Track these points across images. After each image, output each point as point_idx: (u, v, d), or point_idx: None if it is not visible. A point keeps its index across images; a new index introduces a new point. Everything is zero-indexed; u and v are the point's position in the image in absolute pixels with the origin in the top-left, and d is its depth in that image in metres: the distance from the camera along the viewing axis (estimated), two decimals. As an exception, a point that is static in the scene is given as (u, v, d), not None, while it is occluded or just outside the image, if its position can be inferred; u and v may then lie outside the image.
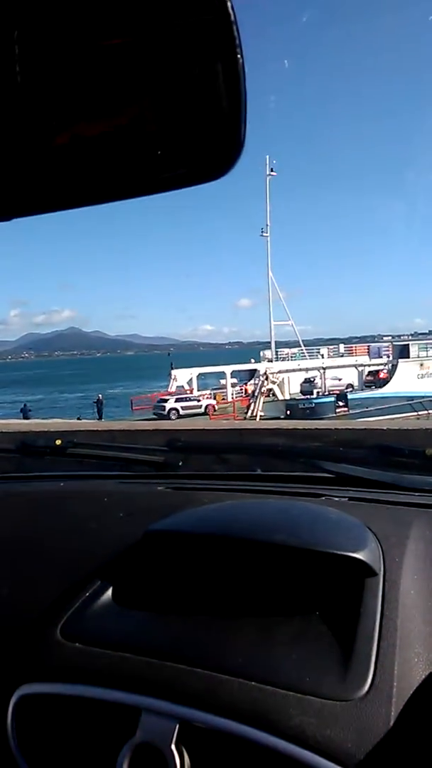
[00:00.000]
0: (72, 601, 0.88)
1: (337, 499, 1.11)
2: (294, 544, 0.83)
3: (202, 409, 23.67)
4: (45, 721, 0.78)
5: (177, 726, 0.70)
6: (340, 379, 26.72)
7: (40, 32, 0.39)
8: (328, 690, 0.69)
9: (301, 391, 25.51)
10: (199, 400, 24.38)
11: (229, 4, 0.37)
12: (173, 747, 0.70)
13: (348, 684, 0.70)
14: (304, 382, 26.20)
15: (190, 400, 24.31)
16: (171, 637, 0.80)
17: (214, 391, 26.88)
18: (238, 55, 0.37)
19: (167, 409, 23.22)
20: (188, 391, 25.75)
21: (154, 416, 22.01)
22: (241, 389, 26.33)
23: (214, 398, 25.21)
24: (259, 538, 0.86)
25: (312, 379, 26.05)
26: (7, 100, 0.39)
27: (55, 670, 0.80)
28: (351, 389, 25.54)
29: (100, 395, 26.68)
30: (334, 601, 0.81)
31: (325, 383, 25.62)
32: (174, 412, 23.02)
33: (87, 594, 0.89)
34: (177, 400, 23.93)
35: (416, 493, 1.14)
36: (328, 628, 0.78)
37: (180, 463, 1.46)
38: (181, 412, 22.91)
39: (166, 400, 23.96)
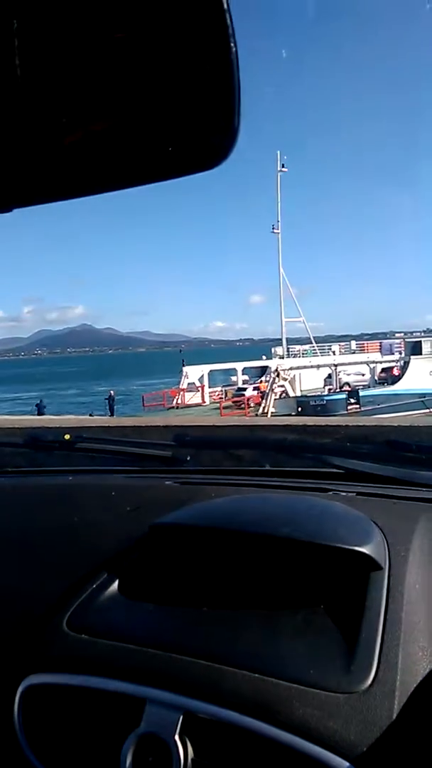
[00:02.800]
0: (79, 593, 0.89)
1: (344, 494, 1.11)
2: (299, 538, 0.83)
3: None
4: (51, 710, 0.79)
5: (181, 717, 0.71)
6: (363, 375, 26.59)
7: (39, 23, 0.39)
8: (331, 682, 0.69)
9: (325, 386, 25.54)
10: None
11: None
12: (177, 737, 0.70)
13: (352, 677, 0.70)
14: (327, 377, 26.21)
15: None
16: (176, 629, 0.81)
17: (226, 388, 26.87)
18: (232, 44, 0.38)
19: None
20: (200, 388, 25.80)
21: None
22: (256, 386, 26.30)
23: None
24: (265, 531, 0.86)
25: (331, 375, 26.00)
26: (6, 89, 0.40)
27: (61, 660, 0.81)
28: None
29: (111, 391, 26.77)
30: (339, 594, 0.81)
31: (337, 380, 25.50)
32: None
33: (94, 586, 0.90)
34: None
35: (424, 489, 1.13)
36: (332, 622, 0.78)
37: (188, 458, 1.46)
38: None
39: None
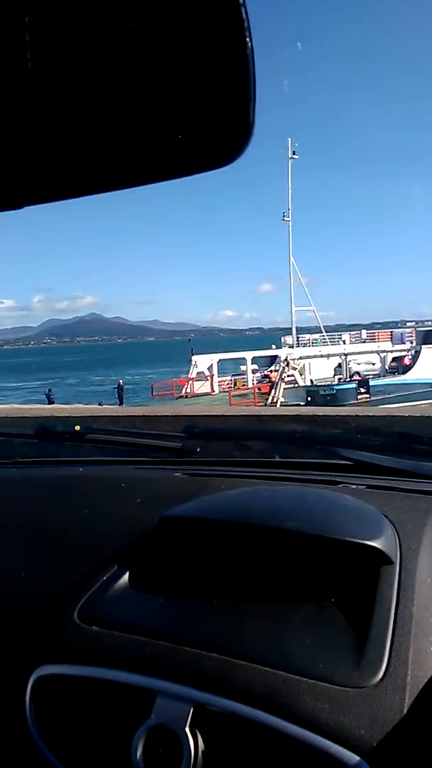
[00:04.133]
0: (89, 584, 0.90)
1: (354, 486, 1.10)
2: (308, 531, 0.83)
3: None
4: (62, 702, 0.80)
5: (191, 709, 0.71)
6: (373, 364, 26.43)
7: (51, 18, 0.38)
8: (341, 676, 0.69)
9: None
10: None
11: None
12: (187, 730, 0.71)
13: (362, 671, 0.70)
14: (337, 367, 26.09)
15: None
16: (186, 622, 0.81)
17: (235, 378, 26.84)
18: (247, 39, 0.37)
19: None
20: (209, 377, 25.79)
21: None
22: (263, 375, 26.22)
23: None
24: (275, 525, 0.86)
25: (341, 364, 25.87)
26: (17, 88, 0.39)
27: (72, 652, 0.81)
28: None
29: (121, 381, 26.86)
30: (349, 588, 0.80)
31: (347, 369, 25.35)
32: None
33: (104, 578, 0.90)
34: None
35: None
36: (342, 615, 0.77)
37: (197, 449, 1.46)
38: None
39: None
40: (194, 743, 0.70)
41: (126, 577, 0.91)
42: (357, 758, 0.64)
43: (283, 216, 30.00)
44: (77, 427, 1.56)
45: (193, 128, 0.40)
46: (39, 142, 0.41)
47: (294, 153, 29.74)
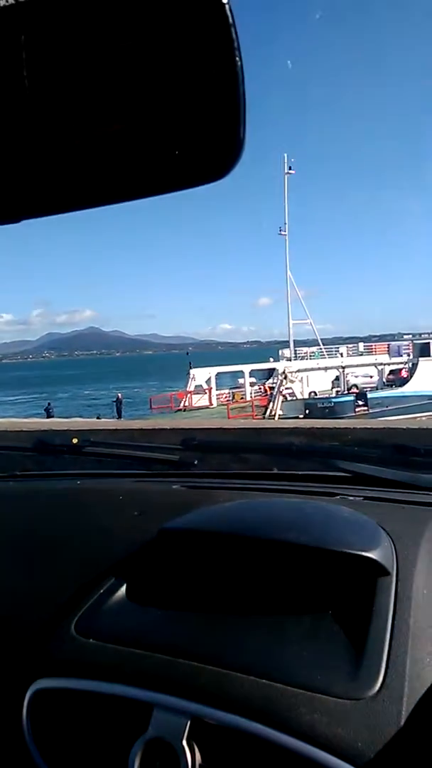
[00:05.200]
0: (86, 597, 0.90)
1: (351, 498, 1.11)
2: (306, 543, 0.83)
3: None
4: (59, 715, 0.79)
5: (188, 722, 0.71)
6: (371, 377, 26.48)
7: (46, 37, 0.39)
8: (339, 688, 0.69)
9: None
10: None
11: (227, 6, 0.37)
12: (185, 743, 0.70)
13: (359, 683, 0.70)
14: (335, 379, 26.11)
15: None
16: (183, 635, 0.81)
17: (233, 391, 26.83)
18: (237, 58, 0.38)
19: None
20: (207, 391, 25.79)
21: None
22: (260, 388, 26.22)
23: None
24: (272, 536, 0.86)
25: (339, 377, 25.93)
26: (14, 101, 0.40)
27: (69, 665, 0.81)
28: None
29: (119, 394, 26.84)
30: (347, 600, 0.80)
31: (345, 382, 25.38)
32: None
33: (101, 591, 0.90)
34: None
35: None
36: (340, 627, 0.77)
37: (195, 462, 1.46)
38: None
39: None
40: (191, 756, 0.70)
41: (123, 589, 0.91)
42: None
43: (280, 230, 30.23)
44: (75, 440, 1.57)
45: (185, 143, 0.41)
46: (35, 156, 0.42)
47: (290, 168, 30.03)
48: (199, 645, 0.78)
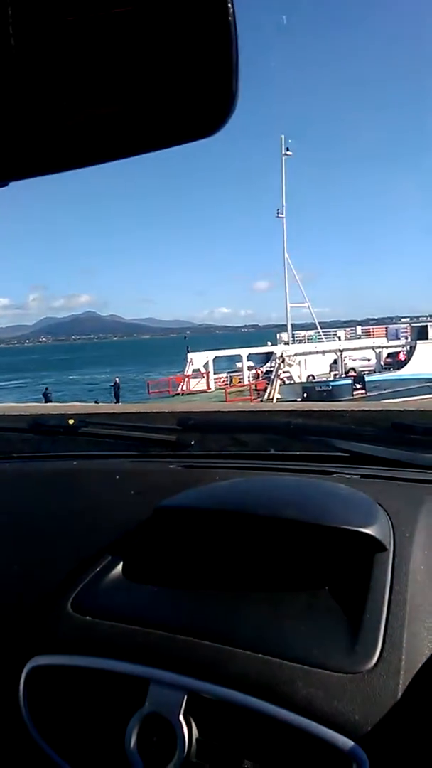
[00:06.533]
0: (83, 575, 0.89)
1: (348, 476, 1.11)
2: (303, 519, 0.83)
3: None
4: (56, 692, 0.80)
5: (185, 697, 0.71)
6: (369, 360, 26.47)
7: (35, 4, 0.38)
8: (336, 663, 0.69)
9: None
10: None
11: None
12: (181, 717, 0.71)
13: (356, 657, 0.70)
14: (332, 363, 26.13)
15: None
16: (180, 611, 0.81)
17: (231, 375, 26.83)
18: (229, 4, 0.37)
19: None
20: (204, 375, 25.77)
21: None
22: (257, 373, 26.22)
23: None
24: (269, 513, 0.86)
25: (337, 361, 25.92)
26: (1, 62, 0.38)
27: (65, 642, 0.81)
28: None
29: (116, 378, 26.80)
30: (344, 576, 0.80)
31: (343, 366, 25.38)
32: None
33: (98, 569, 0.90)
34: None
35: (430, 471, 1.12)
36: (337, 603, 0.78)
37: (192, 443, 1.45)
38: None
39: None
40: (188, 731, 0.70)
41: (120, 567, 0.90)
42: (351, 743, 0.65)
43: (277, 213, 29.98)
44: (71, 421, 1.56)
45: (177, 96, 0.40)
46: (21, 113, 0.40)
47: (288, 150, 29.69)
48: (195, 621, 0.78)
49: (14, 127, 0.41)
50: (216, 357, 27.12)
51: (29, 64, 0.39)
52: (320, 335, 30.38)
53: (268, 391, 23.04)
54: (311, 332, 31.00)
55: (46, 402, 19.76)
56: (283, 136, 29.92)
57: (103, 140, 0.42)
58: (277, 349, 26.38)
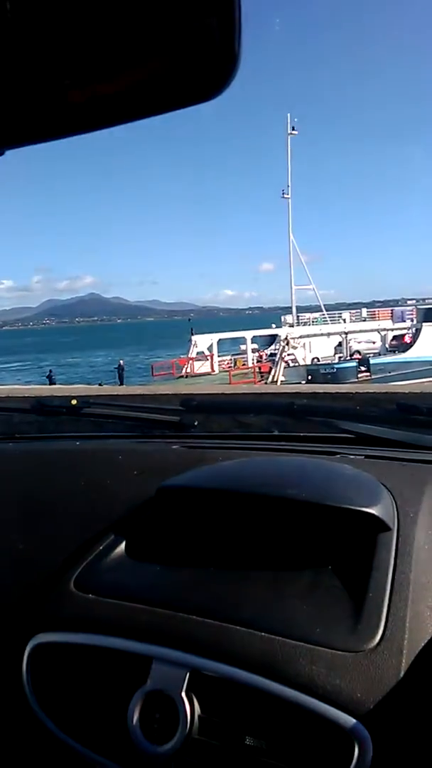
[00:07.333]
0: (86, 554, 0.90)
1: (352, 456, 1.10)
2: (307, 499, 0.82)
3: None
4: (59, 669, 0.80)
5: (187, 674, 0.72)
6: (374, 342, 26.34)
7: None
8: (338, 641, 0.69)
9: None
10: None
11: None
12: (183, 695, 0.71)
13: (359, 635, 0.70)
14: (337, 345, 26.04)
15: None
16: (183, 589, 0.81)
17: (235, 357, 26.78)
18: None
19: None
20: (208, 357, 25.73)
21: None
22: (260, 355, 26.14)
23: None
24: (273, 492, 0.86)
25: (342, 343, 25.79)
26: None
27: (68, 620, 0.81)
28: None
29: (121, 361, 26.81)
30: (347, 555, 0.80)
31: (348, 348, 25.27)
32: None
33: (101, 548, 0.90)
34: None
35: None
36: (340, 582, 0.77)
37: (196, 424, 1.45)
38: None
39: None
40: (190, 708, 0.71)
41: (123, 546, 0.91)
42: (353, 721, 0.65)
43: (283, 193, 29.63)
44: (74, 402, 1.55)
45: (179, 58, 0.39)
46: (19, 76, 0.39)
47: (293, 129, 29.20)
48: (198, 599, 0.78)
49: (10, 90, 0.39)
50: (220, 339, 27.04)
51: (26, 26, 0.37)
52: (325, 317, 30.19)
53: (273, 373, 23.01)
54: (316, 314, 30.81)
55: (51, 384, 19.83)
56: (288, 115, 29.47)
57: (103, 105, 0.41)
58: (282, 332, 26.26)
